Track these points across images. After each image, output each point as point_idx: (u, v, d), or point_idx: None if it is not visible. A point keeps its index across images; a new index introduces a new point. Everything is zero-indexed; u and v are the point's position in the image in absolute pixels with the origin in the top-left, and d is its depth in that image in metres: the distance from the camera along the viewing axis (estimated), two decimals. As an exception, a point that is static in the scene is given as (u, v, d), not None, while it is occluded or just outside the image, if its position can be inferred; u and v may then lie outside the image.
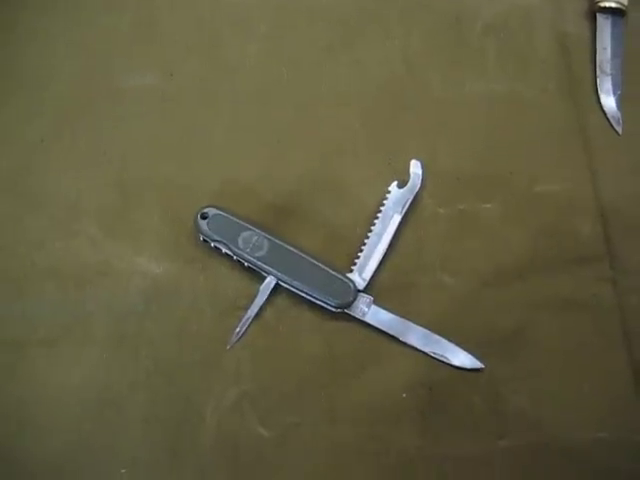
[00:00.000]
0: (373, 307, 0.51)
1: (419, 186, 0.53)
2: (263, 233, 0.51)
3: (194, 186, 0.54)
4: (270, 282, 0.51)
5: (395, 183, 0.53)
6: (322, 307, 0.51)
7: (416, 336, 0.51)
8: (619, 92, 0.57)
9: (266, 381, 0.50)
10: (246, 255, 0.51)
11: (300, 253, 0.51)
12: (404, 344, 0.50)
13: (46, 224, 0.53)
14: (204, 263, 0.52)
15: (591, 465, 0.49)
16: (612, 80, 0.57)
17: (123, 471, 0.48)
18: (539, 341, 0.51)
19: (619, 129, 0.56)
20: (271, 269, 0.50)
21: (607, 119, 0.57)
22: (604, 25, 0.58)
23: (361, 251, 0.52)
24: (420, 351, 0.50)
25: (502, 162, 0.55)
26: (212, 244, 0.51)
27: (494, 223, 0.54)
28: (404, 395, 0.50)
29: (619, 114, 0.57)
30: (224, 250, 0.51)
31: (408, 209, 0.52)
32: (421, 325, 0.51)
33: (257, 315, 0.51)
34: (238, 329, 0.51)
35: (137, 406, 0.50)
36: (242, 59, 0.57)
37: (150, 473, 0.49)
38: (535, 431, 0.49)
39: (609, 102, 0.57)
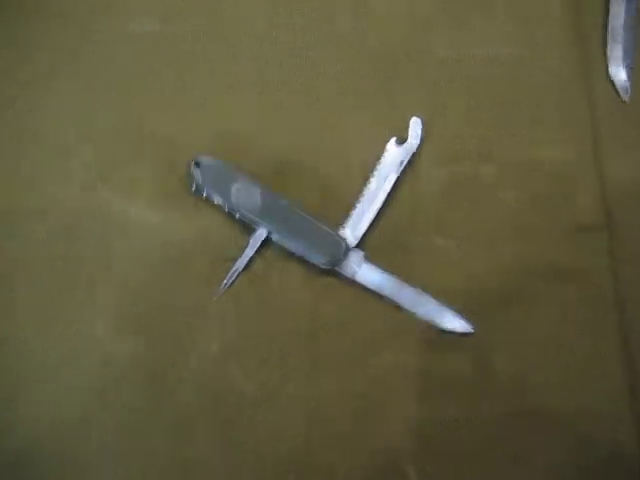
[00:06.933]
0: (364, 265, 0.50)
1: (418, 144, 0.52)
2: (256, 185, 0.50)
3: (190, 136, 0.53)
4: (261, 234, 0.50)
5: (394, 140, 0.52)
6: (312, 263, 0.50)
7: (407, 297, 0.50)
8: (629, 61, 0.56)
9: (251, 332, 0.50)
10: (238, 206, 0.50)
11: (292, 207, 0.50)
12: (394, 304, 0.50)
13: (40, 165, 0.52)
14: (196, 213, 0.52)
15: (572, 432, 0.49)
16: (623, 49, 0.56)
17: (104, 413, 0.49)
18: (530, 307, 0.51)
19: (626, 98, 0.55)
20: (262, 221, 0.50)
21: (614, 88, 0.56)
22: (619, -8, 0.57)
23: (355, 208, 0.51)
24: (410, 312, 0.50)
25: (504, 125, 0.54)
26: (204, 194, 0.51)
27: (492, 186, 0.53)
28: (390, 355, 0.50)
29: (628, 84, 0.56)
30: (216, 201, 0.50)
31: (405, 168, 0.52)
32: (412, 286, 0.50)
33: (246, 267, 0.50)
34: (226, 280, 0.50)
35: (123, 348, 0.50)
36: (243, 7, 0.56)
37: (130, 418, 0.49)
38: (520, 397, 0.50)
39: (618, 71, 0.56)
